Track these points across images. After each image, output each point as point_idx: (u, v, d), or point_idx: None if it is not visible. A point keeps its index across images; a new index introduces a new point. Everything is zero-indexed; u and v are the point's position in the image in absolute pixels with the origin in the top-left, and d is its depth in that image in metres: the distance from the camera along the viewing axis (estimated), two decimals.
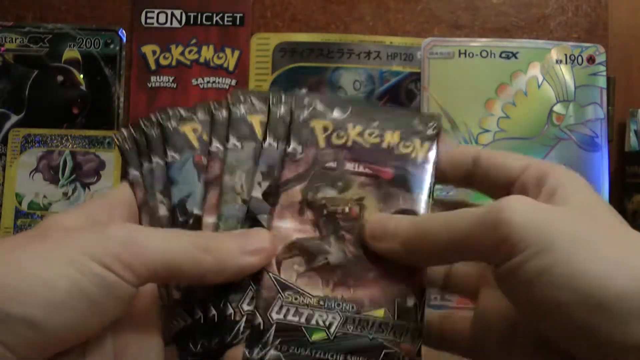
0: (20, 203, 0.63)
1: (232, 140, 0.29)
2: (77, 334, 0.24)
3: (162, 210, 0.29)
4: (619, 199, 0.65)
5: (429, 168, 0.30)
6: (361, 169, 0.29)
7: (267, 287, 0.27)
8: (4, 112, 0.65)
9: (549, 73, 0.63)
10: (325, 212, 0.28)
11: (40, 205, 0.63)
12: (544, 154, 0.62)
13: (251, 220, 0.28)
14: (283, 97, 0.30)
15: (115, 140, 0.31)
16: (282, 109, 0.30)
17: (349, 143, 0.29)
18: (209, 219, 0.28)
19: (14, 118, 0.65)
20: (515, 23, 0.67)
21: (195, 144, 0.30)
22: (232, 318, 0.27)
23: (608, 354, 0.22)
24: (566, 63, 0.63)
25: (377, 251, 0.28)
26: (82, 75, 0.66)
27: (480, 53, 0.64)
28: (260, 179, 0.29)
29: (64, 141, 0.64)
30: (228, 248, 0.26)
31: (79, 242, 0.24)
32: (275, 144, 0.29)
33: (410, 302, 0.28)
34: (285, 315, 0.27)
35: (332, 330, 0.27)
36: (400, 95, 0.65)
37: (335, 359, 0.26)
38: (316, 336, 0.26)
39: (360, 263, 0.28)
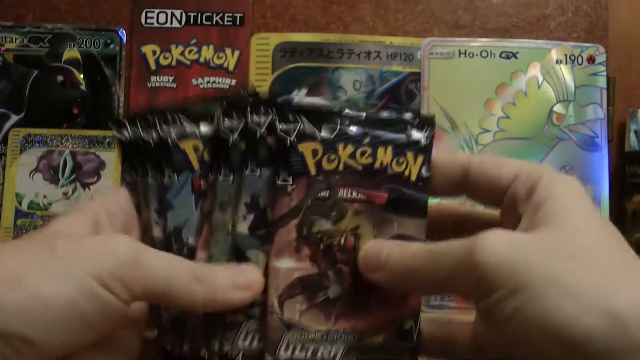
0: (20, 203, 0.63)
1: (225, 171, 0.29)
2: (70, 349, 0.24)
3: (157, 232, 0.29)
4: (619, 199, 0.65)
5: (423, 185, 0.29)
6: (354, 195, 0.29)
7: (273, 327, 0.28)
8: (4, 112, 0.65)
9: (549, 73, 0.63)
10: (321, 246, 0.28)
11: (40, 205, 0.63)
12: (544, 154, 0.62)
13: (238, 255, 0.28)
14: (262, 109, 0.28)
15: (116, 135, 0.30)
16: (264, 127, 0.28)
17: (341, 167, 0.28)
18: (202, 255, 0.28)
19: (14, 118, 0.65)
20: (515, 23, 0.67)
21: (196, 164, 0.29)
22: (229, 356, 0.27)
23: None
24: (566, 63, 0.63)
25: (371, 281, 0.28)
26: (82, 75, 0.66)
27: (480, 53, 0.64)
28: (245, 211, 0.28)
29: (64, 141, 0.64)
30: (221, 281, 0.26)
31: (82, 258, 0.24)
32: (257, 171, 0.28)
33: (408, 324, 0.29)
34: (292, 353, 0.27)
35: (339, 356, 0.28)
36: (400, 95, 0.65)
37: None
38: None
39: (359, 293, 0.29)
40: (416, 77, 0.65)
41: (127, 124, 0.29)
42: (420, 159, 0.29)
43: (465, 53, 0.64)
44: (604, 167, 0.62)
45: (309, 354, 0.28)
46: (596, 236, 0.25)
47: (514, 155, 0.62)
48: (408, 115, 0.29)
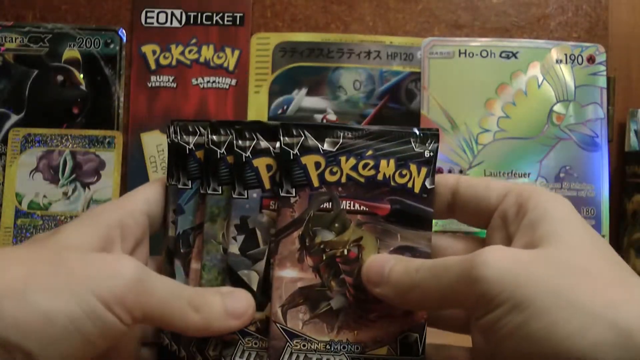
0: (20, 203, 0.63)
1: (213, 185, 0.29)
2: None
3: (171, 232, 0.30)
4: (619, 199, 0.65)
5: (427, 197, 0.29)
6: (357, 207, 0.29)
7: (276, 337, 0.28)
8: (4, 111, 0.65)
9: (549, 73, 0.63)
10: (324, 257, 0.29)
11: (40, 205, 0.63)
12: (544, 153, 0.62)
13: (231, 275, 0.29)
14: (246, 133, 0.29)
15: (171, 133, 0.30)
16: (248, 151, 0.29)
17: (343, 179, 0.29)
18: (195, 265, 0.29)
19: (14, 118, 0.65)
20: (515, 23, 0.67)
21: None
22: None
23: None
24: (566, 63, 0.63)
25: (374, 295, 0.28)
26: (82, 75, 0.66)
27: (480, 53, 0.64)
28: (235, 233, 0.29)
29: (64, 141, 0.64)
30: (215, 310, 0.27)
31: (88, 277, 0.24)
32: (245, 194, 0.29)
33: (411, 337, 0.29)
34: None
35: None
36: (400, 95, 0.65)
37: None
38: None
39: (362, 304, 0.29)
40: (416, 77, 0.65)
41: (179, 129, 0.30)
42: (424, 170, 0.29)
43: (465, 53, 0.64)
44: (604, 167, 0.62)
45: None
46: (595, 253, 0.25)
47: (514, 155, 0.63)
48: (412, 129, 0.29)
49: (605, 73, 0.63)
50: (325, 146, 0.29)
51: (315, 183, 0.29)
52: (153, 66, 0.65)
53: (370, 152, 0.29)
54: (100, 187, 0.64)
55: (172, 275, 0.30)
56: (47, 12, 0.67)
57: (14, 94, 0.65)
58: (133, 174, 0.65)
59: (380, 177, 0.29)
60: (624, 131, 0.66)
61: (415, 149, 0.29)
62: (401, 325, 0.29)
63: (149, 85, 0.65)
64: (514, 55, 0.64)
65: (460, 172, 0.62)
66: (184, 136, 0.30)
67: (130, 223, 0.29)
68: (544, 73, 0.63)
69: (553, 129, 0.63)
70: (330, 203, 0.29)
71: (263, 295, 0.29)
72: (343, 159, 0.29)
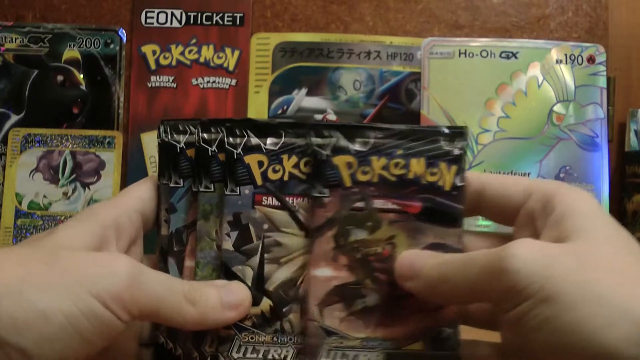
0: (20, 203, 0.63)
1: (205, 183, 0.29)
2: None
3: (164, 230, 0.30)
4: (619, 199, 0.65)
5: (458, 195, 0.30)
6: (389, 206, 0.29)
7: (314, 335, 0.28)
8: (4, 111, 0.65)
9: (549, 73, 0.63)
10: (358, 255, 0.29)
11: (40, 205, 0.63)
12: (544, 153, 0.62)
13: (226, 272, 0.29)
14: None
15: (162, 132, 0.31)
16: (239, 148, 0.29)
17: (375, 179, 0.29)
18: (189, 263, 0.29)
19: (14, 118, 0.65)
20: (515, 23, 0.67)
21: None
22: None
23: None
24: (566, 63, 0.63)
25: (406, 289, 0.29)
26: (82, 75, 0.66)
27: (480, 53, 0.64)
28: (228, 229, 0.29)
29: (64, 141, 0.64)
30: (211, 302, 0.27)
31: (84, 276, 0.25)
32: (237, 190, 0.29)
33: (445, 333, 0.29)
34: (333, 359, 0.28)
35: None
36: (400, 95, 0.65)
37: None
38: None
39: (396, 301, 0.29)
40: (416, 77, 0.65)
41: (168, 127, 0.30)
42: (454, 169, 0.30)
43: (465, 53, 0.64)
44: (604, 167, 0.62)
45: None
46: (622, 247, 0.25)
47: (514, 155, 0.63)
48: (440, 127, 0.30)
49: (605, 73, 0.63)
50: (357, 146, 0.29)
51: (347, 183, 0.29)
52: (153, 66, 0.66)
53: (400, 152, 0.29)
54: (100, 187, 0.64)
55: (166, 273, 0.30)
56: (47, 12, 0.67)
57: (14, 94, 0.65)
58: (133, 174, 0.65)
59: (411, 175, 0.29)
60: (624, 131, 0.66)
61: (444, 148, 0.29)
62: (434, 321, 0.29)
63: (149, 85, 0.65)
64: (514, 55, 0.64)
65: None
66: (175, 135, 0.30)
67: (124, 222, 0.29)
68: (544, 73, 0.63)
69: (553, 129, 0.63)
70: (363, 202, 0.29)
71: (258, 290, 0.29)
72: (374, 158, 0.29)
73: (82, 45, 0.66)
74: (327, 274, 0.29)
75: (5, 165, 0.64)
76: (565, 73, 0.63)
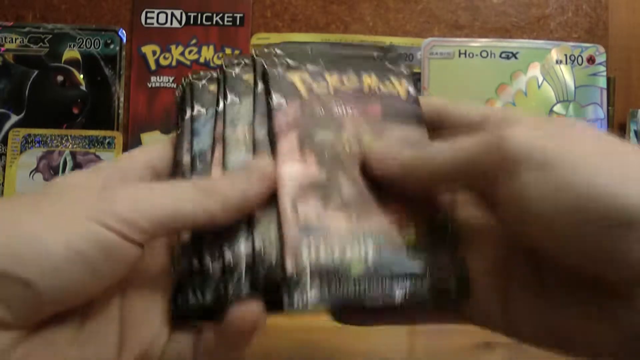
0: None
1: (231, 96, 0.29)
2: (76, 296, 0.23)
3: (186, 158, 0.29)
4: None
5: (415, 103, 0.30)
6: (349, 111, 0.29)
7: (290, 236, 0.25)
8: (4, 112, 0.65)
9: (549, 73, 0.63)
10: (326, 154, 0.27)
11: None
12: None
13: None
14: (256, 53, 0.31)
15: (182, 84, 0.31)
16: (258, 67, 0.30)
17: (331, 91, 0.29)
18: (216, 171, 0.28)
19: (14, 118, 0.65)
20: (515, 23, 0.67)
21: (218, 99, 0.30)
22: (231, 265, 0.25)
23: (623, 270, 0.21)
24: (566, 63, 0.63)
25: (382, 177, 0.27)
26: (82, 75, 0.66)
27: (480, 53, 0.64)
28: (261, 126, 0.28)
29: (64, 141, 0.64)
30: (231, 184, 0.25)
31: (81, 204, 0.23)
32: (264, 95, 0.29)
33: (438, 219, 0.28)
34: (316, 256, 0.25)
35: (369, 259, 0.25)
36: None
37: (383, 288, 0.25)
38: (355, 269, 0.25)
39: (375, 193, 0.27)
40: (416, 77, 0.65)
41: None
42: (404, 81, 0.31)
43: (465, 53, 0.64)
44: None
45: (336, 254, 0.25)
46: (605, 135, 0.24)
47: None
48: (383, 52, 0.31)
49: (605, 73, 0.63)
50: (309, 67, 0.30)
51: (305, 95, 0.29)
52: (153, 66, 0.66)
53: (350, 69, 0.30)
54: None
55: None
56: (47, 12, 0.67)
57: (14, 94, 0.65)
58: None
59: (366, 88, 0.30)
60: (624, 131, 0.66)
61: (391, 67, 0.31)
62: (424, 208, 0.27)
63: (149, 85, 0.65)
64: (514, 55, 0.64)
65: None
66: (196, 81, 0.31)
67: (132, 175, 0.28)
68: (544, 73, 0.63)
69: None
70: (322, 109, 0.29)
71: None
72: (327, 74, 0.30)
73: (82, 46, 0.66)
74: (298, 170, 0.27)
75: (5, 166, 0.64)
76: (565, 73, 0.63)
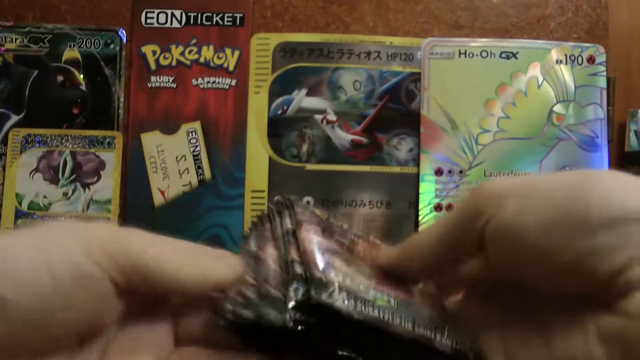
0: (20, 203, 0.63)
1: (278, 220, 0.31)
2: (43, 317, 0.22)
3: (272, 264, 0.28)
4: None
5: None
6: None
7: (317, 260, 0.26)
8: (4, 112, 0.65)
9: (549, 73, 0.63)
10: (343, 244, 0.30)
11: (40, 205, 0.63)
12: (544, 154, 0.62)
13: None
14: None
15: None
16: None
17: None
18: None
19: (14, 118, 0.65)
20: (515, 23, 0.67)
21: None
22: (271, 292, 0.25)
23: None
24: (566, 63, 0.63)
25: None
26: (82, 75, 0.66)
27: (480, 53, 0.64)
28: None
29: (64, 141, 0.64)
30: (206, 260, 0.26)
31: (65, 231, 0.23)
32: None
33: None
34: (343, 280, 0.25)
35: (392, 301, 0.26)
36: (400, 96, 0.65)
37: (406, 323, 0.25)
38: (380, 302, 0.25)
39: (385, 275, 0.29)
40: (416, 77, 0.65)
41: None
42: None
43: (465, 53, 0.64)
44: (604, 167, 0.62)
45: (361, 287, 0.26)
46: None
47: (514, 155, 0.63)
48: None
49: (605, 73, 0.63)
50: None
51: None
52: (153, 66, 0.66)
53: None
54: (100, 187, 0.64)
55: None
56: (47, 13, 0.67)
57: (14, 94, 0.65)
58: (133, 174, 0.65)
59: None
60: (624, 131, 0.66)
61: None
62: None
63: (149, 85, 0.65)
64: (514, 55, 0.64)
65: (460, 172, 0.62)
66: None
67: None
68: (544, 73, 0.63)
69: (553, 129, 0.63)
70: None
71: None
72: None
73: (82, 46, 0.66)
74: (320, 239, 0.28)
75: (5, 166, 0.64)
76: (565, 73, 0.63)
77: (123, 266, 0.23)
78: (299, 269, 0.25)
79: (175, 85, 0.65)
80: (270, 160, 0.64)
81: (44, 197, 0.64)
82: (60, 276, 0.22)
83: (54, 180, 0.64)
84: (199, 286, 0.25)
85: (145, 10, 0.66)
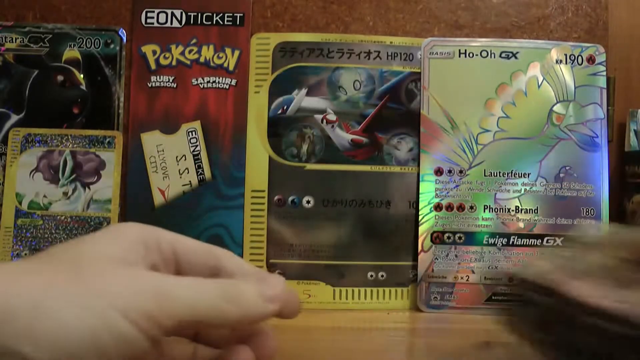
0: (20, 203, 0.63)
1: None
2: None
3: None
4: (618, 199, 0.65)
5: None
6: None
7: None
8: (4, 111, 0.65)
9: (549, 73, 0.63)
10: None
11: (40, 205, 0.63)
12: (544, 153, 0.62)
13: None
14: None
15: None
16: None
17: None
18: None
19: (14, 118, 0.65)
20: (515, 23, 0.67)
21: None
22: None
23: None
24: (566, 63, 0.63)
25: None
26: (82, 75, 0.66)
27: (480, 53, 0.64)
28: None
29: (64, 141, 0.64)
30: (251, 298, 0.27)
31: (108, 292, 0.23)
32: None
33: None
34: None
35: None
36: (400, 95, 0.65)
37: None
38: None
39: None
40: (416, 77, 0.65)
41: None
42: None
43: (465, 53, 0.64)
44: (604, 167, 0.62)
45: None
46: None
47: (514, 155, 0.63)
48: None
49: (605, 73, 0.63)
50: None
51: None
52: (153, 66, 0.66)
53: None
54: (100, 187, 0.64)
55: None
56: (47, 12, 0.67)
57: (14, 94, 0.65)
58: (133, 174, 0.65)
59: None
60: (624, 131, 0.66)
61: None
62: None
63: (149, 85, 0.65)
64: (514, 55, 0.64)
65: (461, 172, 0.62)
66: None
67: (152, 245, 0.28)
68: (544, 73, 0.63)
69: (553, 129, 0.63)
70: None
71: None
72: None
73: (82, 45, 0.66)
74: None
75: (5, 165, 0.64)
76: (565, 73, 0.63)
77: (167, 325, 0.24)
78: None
79: (175, 85, 0.65)
80: (270, 160, 0.64)
81: (44, 196, 0.64)
82: (102, 343, 0.22)
83: (54, 180, 0.64)
84: (240, 324, 0.27)
85: (145, 10, 0.66)
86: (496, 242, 0.61)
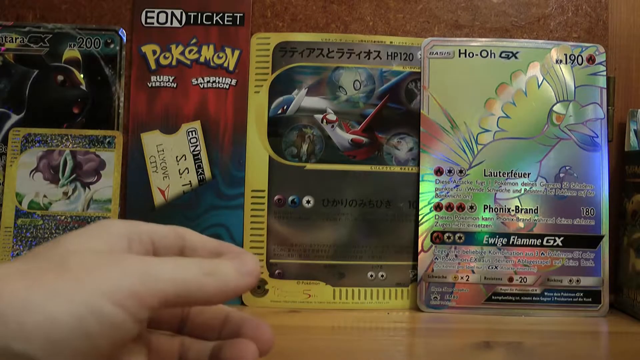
0: (20, 203, 0.63)
1: None
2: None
3: None
4: (618, 199, 0.65)
5: None
6: None
7: None
8: (4, 111, 0.65)
9: (549, 73, 0.63)
10: None
11: (40, 205, 0.63)
12: (544, 153, 0.62)
13: None
14: None
15: None
16: None
17: None
18: None
19: (14, 118, 0.65)
20: (515, 23, 0.67)
21: None
22: None
23: None
24: (566, 63, 0.63)
25: None
26: (82, 75, 0.66)
27: (480, 53, 0.64)
28: None
29: (64, 141, 0.64)
30: (228, 271, 0.28)
31: (94, 278, 0.24)
32: None
33: None
34: None
35: None
36: (400, 95, 0.65)
37: None
38: None
39: None
40: (416, 77, 0.65)
41: None
42: None
43: (465, 53, 0.64)
44: (604, 166, 0.62)
45: None
46: None
47: (514, 155, 0.63)
48: None
49: (605, 73, 0.63)
50: None
51: None
52: (153, 66, 0.66)
53: None
54: (100, 187, 0.64)
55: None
56: (47, 12, 0.67)
57: (14, 94, 0.65)
58: (133, 174, 0.65)
59: None
60: (624, 131, 0.66)
61: None
62: None
63: (149, 85, 0.65)
64: (514, 55, 0.64)
65: (461, 171, 0.62)
66: None
67: (135, 238, 0.29)
68: (543, 73, 0.63)
69: (553, 129, 0.63)
70: None
71: None
72: None
73: (82, 45, 0.66)
74: None
75: (5, 165, 0.64)
76: (565, 73, 0.63)
77: (154, 305, 0.25)
78: None
79: (175, 85, 0.65)
80: (270, 159, 0.64)
81: (44, 196, 0.64)
82: (90, 329, 0.23)
83: (54, 180, 0.64)
84: (220, 299, 0.28)
85: (145, 9, 0.66)
86: (496, 242, 0.61)
